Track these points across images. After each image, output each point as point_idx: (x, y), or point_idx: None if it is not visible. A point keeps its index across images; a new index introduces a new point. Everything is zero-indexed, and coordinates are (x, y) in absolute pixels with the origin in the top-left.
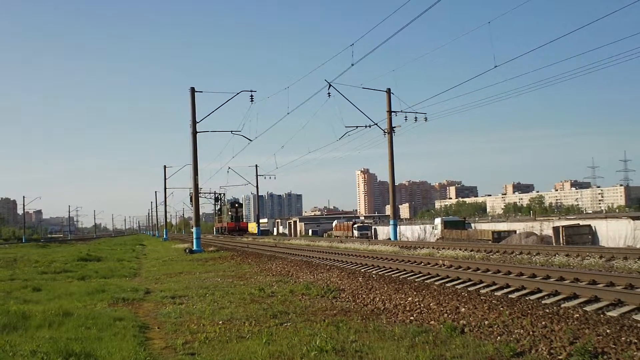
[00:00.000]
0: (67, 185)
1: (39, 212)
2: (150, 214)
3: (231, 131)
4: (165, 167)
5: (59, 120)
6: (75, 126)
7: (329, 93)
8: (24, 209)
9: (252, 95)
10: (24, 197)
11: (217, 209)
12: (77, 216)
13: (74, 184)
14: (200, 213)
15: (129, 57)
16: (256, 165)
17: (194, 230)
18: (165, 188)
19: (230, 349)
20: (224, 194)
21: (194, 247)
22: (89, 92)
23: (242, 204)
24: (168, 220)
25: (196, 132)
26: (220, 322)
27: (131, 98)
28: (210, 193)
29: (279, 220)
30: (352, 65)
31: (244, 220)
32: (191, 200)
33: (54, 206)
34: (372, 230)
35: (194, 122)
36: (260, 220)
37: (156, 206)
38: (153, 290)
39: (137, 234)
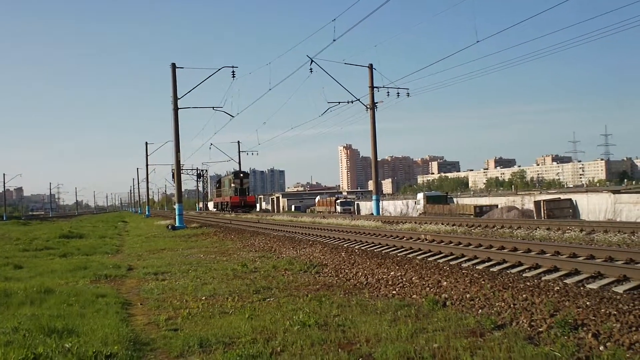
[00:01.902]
0: (49, 162)
1: (19, 190)
2: (132, 191)
3: (213, 107)
4: (147, 143)
5: (43, 98)
6: (59, 104)
7: (310, 69)
8: (4, 186)
9: (233, 72)
10: (4, 174)
11: (215, 181)
12: (58, 193)
13: (55, 161)
14: (183, 190)
15: (110, 33)
16: (238, 142)
17: (176, 206)
18: (147, 165)
19: (213, 324)
20: (207, 170)
21: (177, 224)
22: (70, 70)
23: (248, 174)
24: (150, 197)
25: (177, 109)
26: (203, 298)
27: (113, 75)
28: (192, 170)
29: (262, 196)
30: (334, 40)
31: (251, 194)
32: (173, 177)
33: (35, 183)
34: (355, 206)
35: (175, 98)
36: None
37: (138, 183)
38: (135, 267)
39: (119, 211)
